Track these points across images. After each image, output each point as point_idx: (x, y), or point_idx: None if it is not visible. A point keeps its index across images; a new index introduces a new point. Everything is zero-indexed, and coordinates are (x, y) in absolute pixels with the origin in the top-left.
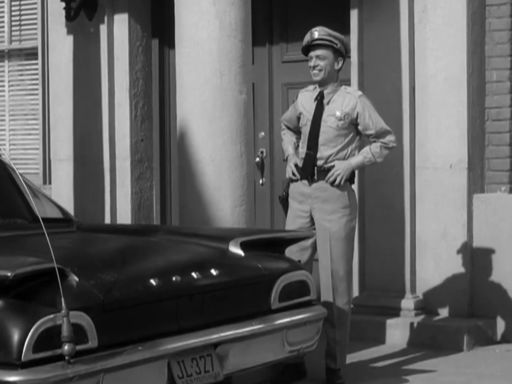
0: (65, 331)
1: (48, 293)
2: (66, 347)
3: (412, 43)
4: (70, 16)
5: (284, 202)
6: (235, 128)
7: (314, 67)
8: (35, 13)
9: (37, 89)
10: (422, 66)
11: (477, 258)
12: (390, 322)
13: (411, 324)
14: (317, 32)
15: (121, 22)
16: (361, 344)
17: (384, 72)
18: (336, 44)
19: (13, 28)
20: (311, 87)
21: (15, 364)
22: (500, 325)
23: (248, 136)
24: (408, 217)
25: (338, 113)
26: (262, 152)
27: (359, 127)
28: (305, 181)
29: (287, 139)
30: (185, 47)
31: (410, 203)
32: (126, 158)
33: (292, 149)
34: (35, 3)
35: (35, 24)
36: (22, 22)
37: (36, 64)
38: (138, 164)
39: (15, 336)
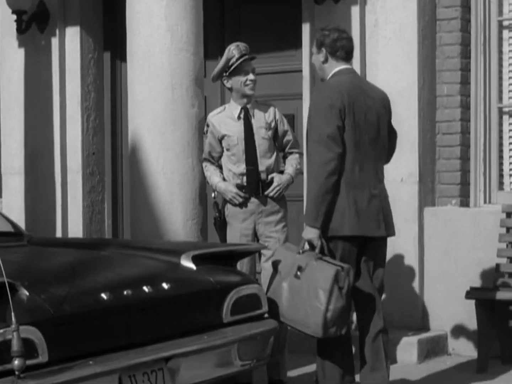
0: (15, 346)
1: None
2: (16, 362)
3: (364, 57)
4: (21, 29)
5: (221, 224)
6: (187, 141)
7: (252, 81)
8: None
9: None
10: (373, 79)
11: (428, 271)
12: None
13: None
14: (242, 47)
15: (73, 35)
16: (313, 358)
17: None
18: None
19: None
20: (218, 109)
21: None
22: (451, 337)
23: (200, 150)
24: None
25: (266, 124)
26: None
27: (279, 134)
28: (249, 198)
29: (211, 172)
30: (137, 60)
31: None
32: (77, 171)
33: (219, 178)
34: None
35: None
36: None
37: None
38: (89, 177)
39: None
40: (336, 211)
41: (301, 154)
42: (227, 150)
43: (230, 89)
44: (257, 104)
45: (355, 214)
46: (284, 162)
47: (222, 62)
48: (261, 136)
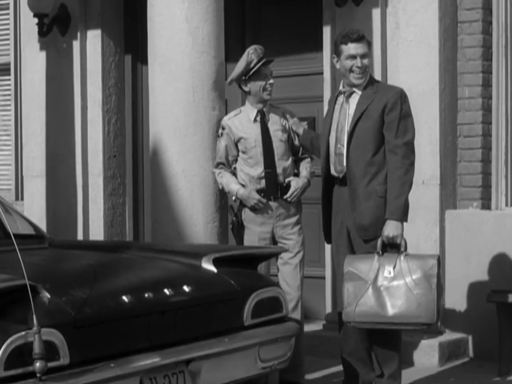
0: (36, 348)
1: (20, 310)
2: (37, 364)
3: (385, 60)
4: (43, 32)
5: (239, 229)
6: (207, 144)
7: (271, 85)
8: (8, 29)
9: (9, 105)
10: (394, 82)
11: (449, 274)
12: None
13: None
14: (259, 50)
15: (94, 38)
16: (334, 360)
17: None
18: None
19: None
20: (234, 112)
21: None
22: (473, 340)
23: None
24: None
25: (281, 127)
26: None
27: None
28: (267, 202)
29: (227, 179)
30: (158, 63)
31: None
32: (98, 174)
33: (239, 185)
34: (7, 19)
35: (8, 39)
36: None
37: (9, 80)
38: (110, 180)
39: None
40: None
41: (312, 158)
42: (243, 153)
43: (248, 93)
44: (272, 108)
45: None
46: (297, 167)
47: (241, 66)
48: (278, 139)
